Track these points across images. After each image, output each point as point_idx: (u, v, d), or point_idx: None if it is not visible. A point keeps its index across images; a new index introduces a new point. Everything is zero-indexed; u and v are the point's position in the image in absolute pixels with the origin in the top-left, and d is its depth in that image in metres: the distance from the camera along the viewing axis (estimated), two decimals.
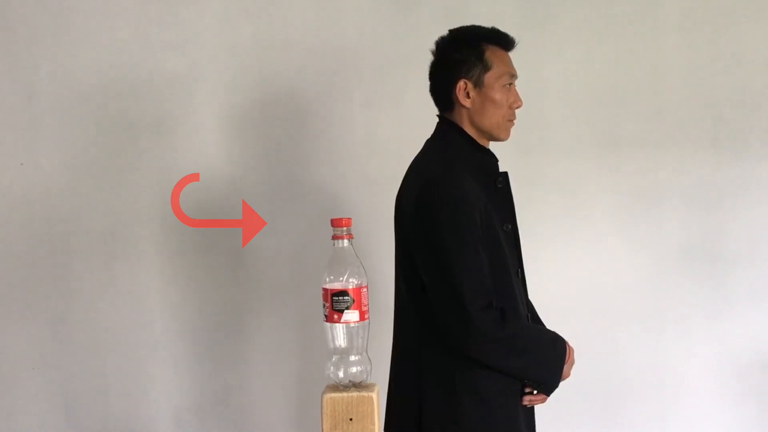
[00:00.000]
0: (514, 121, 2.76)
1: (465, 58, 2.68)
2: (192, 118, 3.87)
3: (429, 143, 2.79)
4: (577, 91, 3.93)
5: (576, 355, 2.76)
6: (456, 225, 2.49)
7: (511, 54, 2.75)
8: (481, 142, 2.75)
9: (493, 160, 2.79)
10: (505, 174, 2.78)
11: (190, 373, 3.94)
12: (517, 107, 2.73)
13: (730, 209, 3.96)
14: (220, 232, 3.86)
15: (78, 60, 3.83)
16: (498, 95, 2.68)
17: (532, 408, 2.77)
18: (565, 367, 2.67)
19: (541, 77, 3.88)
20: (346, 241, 2.19)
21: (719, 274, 3.98)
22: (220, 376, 3.94)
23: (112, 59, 3.84)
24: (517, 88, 2.75)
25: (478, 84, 2.67)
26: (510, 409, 2.64)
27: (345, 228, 2.19)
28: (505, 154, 2.85)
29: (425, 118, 2.82)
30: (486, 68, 2.67)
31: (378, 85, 3.90)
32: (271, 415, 3.95)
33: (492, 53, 2.68)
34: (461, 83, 2.68)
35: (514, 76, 2.73)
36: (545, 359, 2.64)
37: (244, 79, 3.87)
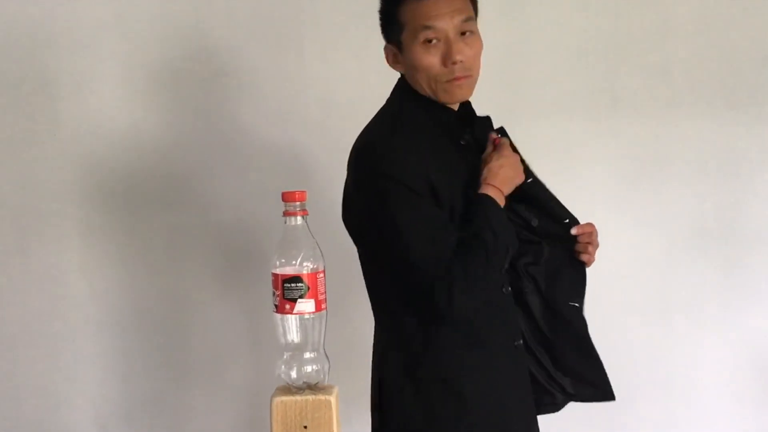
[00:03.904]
0: (473, 77, 2.64)
1: (382, 21, 2.69)
2: (119, 76, 3.87)
3: (383, 106, 2.78)
4: (570, 41, 3.98)
5: None
6: (398, 190, 2.47)
7: None
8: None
9: (453, 116, 2.71)
10: (495, 127, 2.75)
11: (117, 373, 3.93)
12: (455, 64, 2.58)
13: (749, 180, 4.00)
14: (151, 208, 3.86)
15: None
16: (417, 57, 2.59)
17: (527, 400, 2.78)
18: (507, 181, 2.61)
19: (526, 24, 3.94)
20: (299, 218, 2.18)
21: (736, 256, 4.05)
22: (153, 375, 3.94)
23: (24, 7, 3.81)
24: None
25: (400, 48, 2.64)
26: (490, 403, 2.63)
27: (298, 203, 2.18)
28: (484, 113, 2.81)
29: (392, 74, 2.78)
30: (401, 28, 2.62)
31: (336, 35, 3.92)
32: (212, 421, 3.96)
33: (405, 7, 2.60)
34: (386, 49, 2.70)
35: (430, 28, 2.57)
36: (499, 246, 2.52)
37: (178, 29, 3.88)
